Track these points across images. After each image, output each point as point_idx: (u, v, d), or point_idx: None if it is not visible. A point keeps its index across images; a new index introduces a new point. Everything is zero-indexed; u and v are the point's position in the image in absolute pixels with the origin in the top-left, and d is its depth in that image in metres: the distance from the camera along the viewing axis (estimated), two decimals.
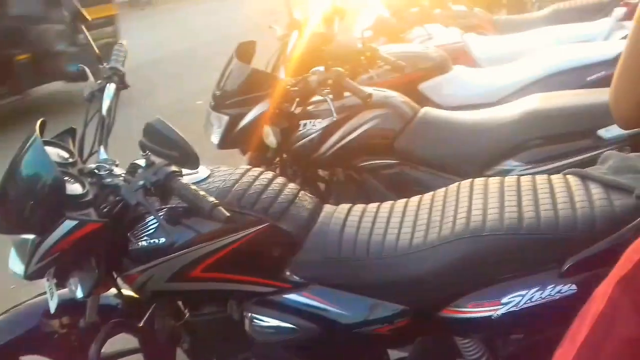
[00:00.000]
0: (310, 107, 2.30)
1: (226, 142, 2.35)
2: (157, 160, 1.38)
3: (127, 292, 1.77)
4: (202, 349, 1.66)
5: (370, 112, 2.19)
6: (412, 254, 1.31)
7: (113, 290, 1.77)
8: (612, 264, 1.18)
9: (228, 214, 1.26)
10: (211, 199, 1.28)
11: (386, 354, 1.50)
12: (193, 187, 1.31)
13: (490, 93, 2.69)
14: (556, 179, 1.37)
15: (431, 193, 1.50)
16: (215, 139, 2.37)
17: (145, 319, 1.68)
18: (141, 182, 1.34)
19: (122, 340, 1.87)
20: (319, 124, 2.22)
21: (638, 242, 0.92)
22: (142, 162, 1.44)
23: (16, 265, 1.50)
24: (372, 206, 1.51)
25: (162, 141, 1.33)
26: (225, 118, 2.32)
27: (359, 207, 1.52)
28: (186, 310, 1.64)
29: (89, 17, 1.77)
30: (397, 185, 2.18)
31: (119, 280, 1.64)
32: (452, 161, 2.08)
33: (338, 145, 2.22)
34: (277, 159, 2.36)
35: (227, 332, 1.55)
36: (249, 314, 1.46)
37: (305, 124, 2.26)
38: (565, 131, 1.94)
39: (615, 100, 0.87)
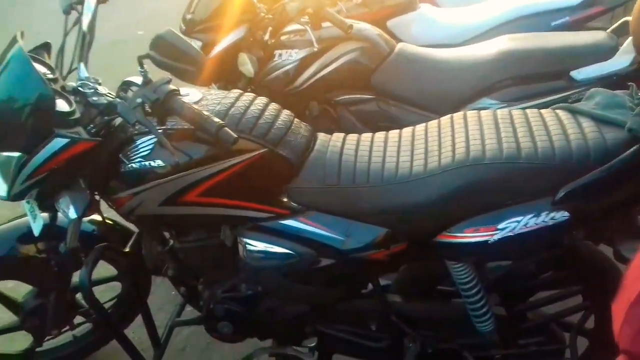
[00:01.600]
0: (284, 37, 2.24)
1: None
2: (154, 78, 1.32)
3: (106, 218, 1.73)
4: (188, 276, 1.66)
5: (348, 44, 2.17)
6: (413, 182, 1.34)
7: (91, 217, 1.73)
8: (604, 193, 1.27)
9: (235, 136, 1.24)
10: (216, 119, 1.24)
11: (377, 282, 1.54)
12: (196, 107, 1.27)
13: (457, 34, 2.71)
14: (547, 112, 1.43)
15: (424, 124, 1.52)
16: None
17: (130, 244, 1.65)
18: (139, 100, 1.28)
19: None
20: (296, 55, 2.18)
21: None
22: (136, 79, 1.37)
23: None
24: (366, 136, 1.53)
25: (174, 54, 1.26)
26: (198, 44, 2.22)
27: (353, 136, 1.53)
28: (172, 237, 1.61)
29: None
30: (372, 121, 2.19)
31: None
32: (428, 98, 2.11)
33: (314, 78, 2.19)
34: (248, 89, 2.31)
35: (217, 258, 1.55)
36: (244, 240, 1.46)
37: (280, 55, 2.21)
38: (539, 72, 2.00)
39: (637, 23, 0.90)
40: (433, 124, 1.51)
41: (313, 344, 1.56)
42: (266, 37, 2.25)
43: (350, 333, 1.59)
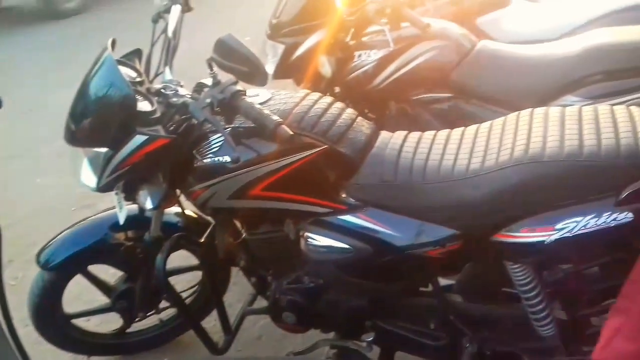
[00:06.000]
0: (365, 38, 2.28)
1: (281, 72, 2.37)
2: (223, 79, 1.42)
3: (187, 211, 1.87)
4: (258, 267, 1.75)
5: (428, 43, 2.16)
6: (469, 179, 1.33)
7: (174, 210, 1.87)
8: None
9: (292, 133, 1.30)
10: (275, 117, 1.31)
11: (436, 281, 1.54)
12: (258, 106, 1.35)
13: (552, 29, 2.58)
14: (619, 109, 1.35)
15: (489, 122, 1.50)
16: (270, 69, 2.39)
17: (205, 235, 1.77)
18: (208, 100, 1.39)
19: (180, 259, 1.99)
20: (374, 55, 2.21)
21: None
22: (208, 81, 1.48)
23: (88, 179, 1.59)
24: (429, 134, 1.53)
25: (232, 56, 1.36)
26: (281, 47, 2.33)
27: (415, 134, 1.54)
28: (243, 230, 1.71)
29: None
30: (450, 120, 2.16)
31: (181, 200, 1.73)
32: (509, 96, 2.05)
33: (392, 77, 2.20)
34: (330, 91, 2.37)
35: (283, 250, 1.62)
36: (305, 234, 1.52)
37: (360, 55, 2.25)
38: (628, 66, 1.87)
39: None
40: (498, 121, 1.48)
41: (370, 339, 1.58)
42: (348, 38, 2.30)
43: (408, 330, 1.59)
